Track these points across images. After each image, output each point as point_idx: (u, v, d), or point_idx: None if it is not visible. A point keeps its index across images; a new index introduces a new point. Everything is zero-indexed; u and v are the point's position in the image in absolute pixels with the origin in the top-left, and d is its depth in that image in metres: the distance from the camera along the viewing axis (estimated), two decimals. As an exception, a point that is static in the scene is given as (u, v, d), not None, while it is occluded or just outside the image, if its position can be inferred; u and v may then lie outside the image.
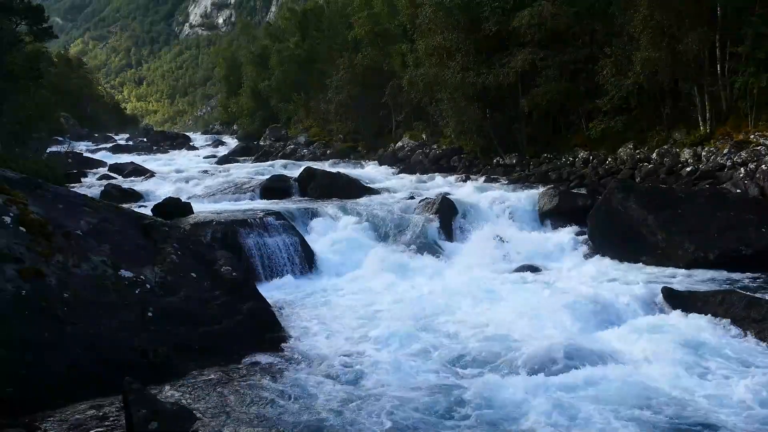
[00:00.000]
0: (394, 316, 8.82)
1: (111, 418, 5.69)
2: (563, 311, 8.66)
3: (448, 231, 14.03)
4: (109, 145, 46.45)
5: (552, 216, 14.42)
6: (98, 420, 5.68)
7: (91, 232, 7.93)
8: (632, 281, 10.35)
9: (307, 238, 12.75)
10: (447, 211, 14.39)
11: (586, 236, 13.09)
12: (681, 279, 10.51)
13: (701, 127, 17.87)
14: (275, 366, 7.12)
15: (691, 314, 8.34)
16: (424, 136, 29.58)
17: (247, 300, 8.28)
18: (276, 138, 44.61)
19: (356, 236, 13.47)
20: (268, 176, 20.07)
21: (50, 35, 30.00)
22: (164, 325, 7.18)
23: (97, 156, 35.40)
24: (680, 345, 7.41)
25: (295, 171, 21.34)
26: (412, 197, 16.43)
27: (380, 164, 28.44)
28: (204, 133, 73.47)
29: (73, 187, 17.61)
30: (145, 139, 55.20)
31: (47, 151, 29.53)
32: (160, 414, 5.28)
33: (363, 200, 16.49)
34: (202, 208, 14.53)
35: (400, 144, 30.60)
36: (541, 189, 16.13)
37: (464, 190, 17.94)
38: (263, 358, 7.33)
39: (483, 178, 20.98)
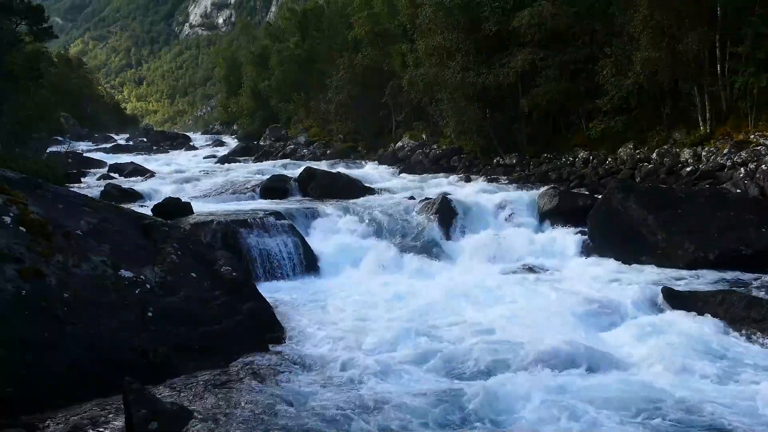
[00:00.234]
0: (394, 316, 8.82)
1: (111, 418, 5.69)
2: (563, 311, 8.66)
3: (447, 231, 14.03)
4: (109, 145, 46.46)
5: (552, 216, 14.41)
6: (98, 420, 5.68)
7: (91, 232, 7.93)
8: (632, 281, 10.36)
9: (307, 238, 12.75)
10: (447, 211, 14.38)
11: (586, 236, 13.08)
12: (681, 279, 10.51)
13: (701, 127, 17.87)
14: (275, 366, 7.12)
15: (691, 314, 8.34)
16: (424, 136, 29.58)
17: (247, 300, 8.28)
18: (276, 138, 44.62)
19: (356, 236, 13.47)
20: (268, 176, 20.07)
21: (50, 35, 30.00)
22: (164, 325, 7.18)
23: (97, 156, 35.39)
24: (680, 345, 7.41)
25: (295, 171, 21.34)
26: (412, 197, 16.42)
27: (380, 164, 28.44)
28: (204, 133, 73.50)
29: (73, 187, 17.61)
30: (145, 139, 55.23)
31: (47, 151, 29.53)
32: (160, 414, 5.28)
33: (363, 200, 16.49)
34: (202, 208, 14.52)
35: (400, 144, 30.61)
36: (541, 189, 16.12)
37: (464, 190, 17.94)
38: (263, 359, 7.33)
39: (483, 178, 20.98)
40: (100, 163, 30.48)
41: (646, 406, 5.99)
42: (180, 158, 37.09)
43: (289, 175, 20.10)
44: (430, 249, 13.21)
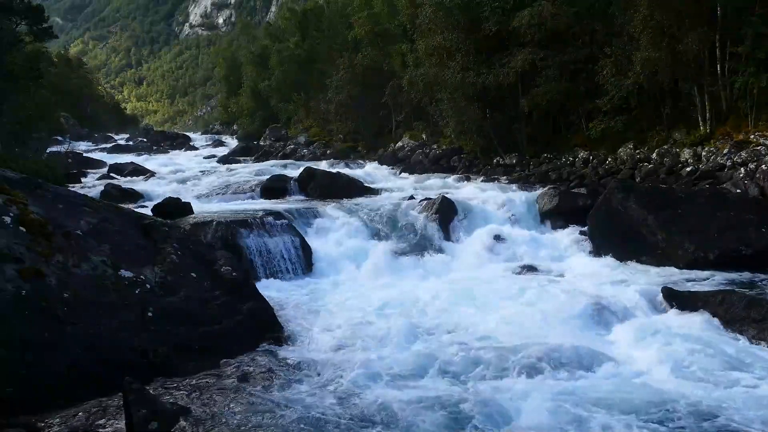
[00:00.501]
0: (393, 316, 8.82)
1: (111, 418, 5.69)
2: (563, 312, 8.67)
3: (447, 231, 14.03)
4: (109, 145, 46.46)
5: (552, 216, 14.41)
6: (98, 420, 5.68)
7: (91, 232, 7.93)
8: (632, 281, 10.36)
9: (307, 238, 12.75)
10: (447, 211, 14.38)
11: (586, 236, 13.09)
12: (681, 279, 10.50)
13: (701, 127, 17.87)
14: (275, 367, 7.11)
15: (691, 314, 8.34)
16: (424, 136, 29.58)
17: (247, 300, 8.28)
18: (276, 138, 44.62)
19: (356, 236, 13.47)
20: (268, 176, 20.07)
21: (50, 35, 30.00)
22: (164, 325, 7.18)
23: (97, 156, 35.41)
24: (680, 345, 7.41)
25: (295, 171, 21.33)
26: (412, 197, 16.42)
27: (380, 164, 28.43)
28: (204, 133, 73.47)
29: (73, 187, 17.61)
30: (145, 139, 55.20)
31: (47, 151, 29.49)
32: (160, 414, 5.28)
33: (363, 200, 16.49)
34: (202, 208, 14.54)
35: (400, 144, 30.60)
36: (541, 189, 16.13)
37: (464, 190, 17.93)
38: (263, 359, 7.33)
39: (483, 178, 20.98)
40: (100, 163, 30.48)
41: (645, 406, 5.99)
42: (180, 158, 37.08)
43: (289, 175, 20.09)
44: (429, 249, 13.21)
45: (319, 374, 6.84)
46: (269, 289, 10.27)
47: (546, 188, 15.98)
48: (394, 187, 19.75)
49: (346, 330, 8.34)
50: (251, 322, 7.95)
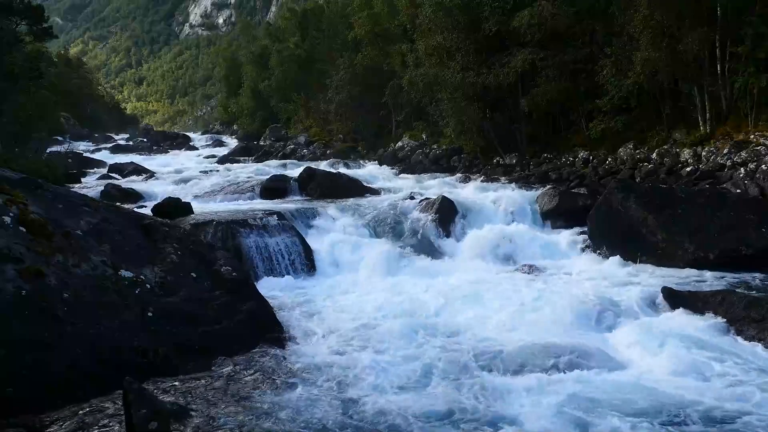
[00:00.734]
0: (394, 316, 8.82)
1: (111, 418, 5.69)
2: (563, 311, 8.66)
3: (447, 231, 14.03)
4: (109, 145, 46.48)
5: (552, 216, 14.41)
6: (98, 420, 5.68)
7: (91, 232, 7.93)
8: (632, 281, 10.35)
9: (306, 238, 12.75)
10: (447, 211, 14.38)
11: (586, 236, 13.08)
12: (681, 279, 10.50)
13: (701, 127, 17.87)
14: (275, 367, 7.11)
15: (691, 314, 8.34)
16: (424, 136, 29.59)
17: (247, 300, 8.28)
18: (276, 138, 44.64)
19: (356, 236, 13.47)
20: (268, 176, 20.07)
21: (50, 35, 30.03)
22: (164, 325, 7.18)
23: (97, 156, 35.45)
24: (680, 345, 7.40)
25: (295, 171, 21.33)
26: (412, 197, 16.41)
27: (380, 164, 28.45)
28: (204, 133, 73.45)
29: (73, 187, 17.63)
30: (145, 139, 55.21)
31: (47, 151, 29.52)
32: (160, 414, 5.28)
33: (363, 200, 16.49)
34: (202, 208, 14.54)
35: (400, 144, 30.61)
36: (541, 189, 16.13)
37: (464, 190, 17.93)
38: (263, 359, 7.33)
39: (483, 178, 20.98)
40: (100, 163, 30.50)
41: (645, 406, 5.99)
42: (180, 158, 37.11)
43: (289, 175, 20.10)
44: (429, 249, 13.21)
45: (319, 375, 6.84)
46: (269, 289, 10.27)
47: (546, 188, 15.98)
48: (394, 187, 19.75)
49: (346, 330, 8.34)
50: (251, 323, 7.94)
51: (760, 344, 7.49)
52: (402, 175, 23.78)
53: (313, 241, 12.82)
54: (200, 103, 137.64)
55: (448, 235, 13.93)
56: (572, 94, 21.00)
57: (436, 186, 19.62)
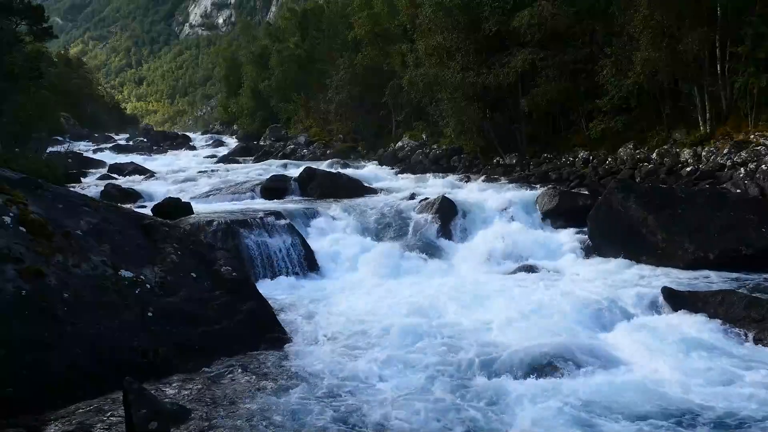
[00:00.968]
0: (393, 316, 8.81)
1: (111, 418, 5.69)
2: (563, 311, 8.66)
3: (447, 231, 14.02)
4: (109, 145, 46.50)
5: (552, 216, 14.41)
6: (98, 420, 5.68)
7: (91, 232, 7.93)
8: (632, 281, 10.35)
9: (306, 238, 12.75)
10: (447, 211, 14.37)
11: (586, 236, 13.08)
12: (681, 279, 10.50)
13: (701, 127, 17.88)
14: (275, 366, 7.11)
15: (691, 314, 8.33)
16: (424, 136, 29.59)
17: (247, 300, 8.27)
18: (276, 138, 44.65)
19: (356, 236, 13.47)
20: (268, 176, 20.07)
21: (50, 35, 30.05)
22: (164, 325, 7.18)
23: (97, 156, 35.45)
24: (680, 345, 7.40)
25: (295, 171, 21.33)
26: (412, 197, 16.42)
27: (380, 164, 28.45)
28: (204, 133, 73.49)
29: (73, 187, 17.63)
30: (145, 139, 55.20)
31: (47, 151, 29.54)
32: (160, 414, 5.29)
33: (363, 200, 16.49)
34: (202, 208, 14.53)
35: (400, 144, 30.62)
36: (541, 189, 16.12)
37: (464, 190, 17.93)
38: (263, 359, 7.33)
39: (483, 178, 20.98)
40: (100, 163, 30.51)
41: (646, 406, 5.99)
42: (180, 158, 37.11)
43: (289, 175, 20.09)
44: (429, 249, 13.19)
45: (319, 376, 6.84)
46: (269, 289, 10.27)
47: (546, 188, 15.97)
48: (394, 187, 19.75)
49: (346, 330, 8.34)
50: (251, 323, 7.94)
51: (760, 344, 7.49)
52: (402, 175, 23.76)
53: (313, 241, 12.82)
54: (200, 103, 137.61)
55: (448, 236, 13.92)
56: (572, 94, 21.01)
57: (436, 186, 19.63)
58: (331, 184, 18.34)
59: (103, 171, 26.61)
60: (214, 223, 11.80)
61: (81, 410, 5.86)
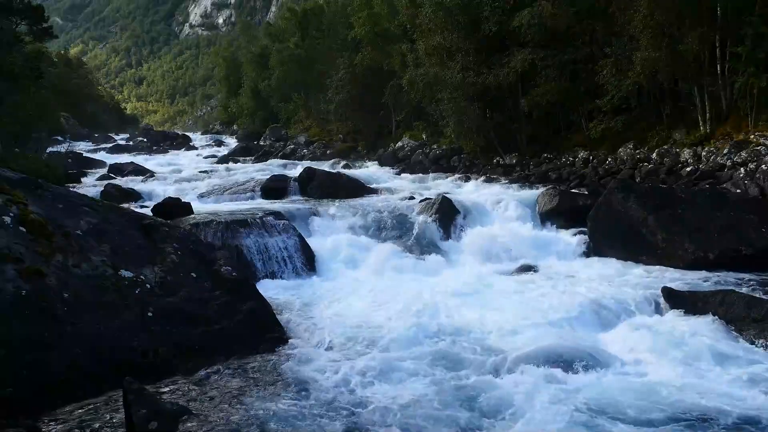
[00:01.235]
0: (393, 316, 8.81)
1: (111, 418, 5.69)
2: (563, 311, 8.67)
3: (447, 231, 14.02)
4: (109, 145, 46.51)
5: (552, 216, 14.40)
6: (98, 420, 5.68)
7: (91, 232, 7.93)
8: (632, 281, 10.35)
9: (307, 238, 12.74)
10: (447, 211, 14.37)
11: (586, 236, 13.08)
12: (681, 279, 10.49)
13: (701, 127, 17.87)
14: (275, 366, 7.11)
15: (691, 314, 8.33)
16: (424, 136, 29.59)
17: (247, 300, 8.28)
18: (276, 138, 44.66)
19: (356, 236, 13.47)
20: (268, 176, 20.07)
21: (50, 35, 30.11)
22: (164, 325, 7.18)
23: (97, 156, 35.46)
24: (680, 345, 7.41)
25: (295, 171, 21.34)
26: (412, 197, 16.42)
27: (380, 164, 28.46)
28: (204, 133, 73.49)
29: (73, 187, 17.64)
30: (145, 139, 55.18)
31: (47, 151, 29.54)
32: (160, 414, 5.29)
33: (363, 200, 16.49)
34: (202, 208, 14.53)
35: (400, 144, 30.62)
36: (541, 189, 16.12)
37: (464, 190, 17.95)
38: (263, 359, 7.33)
39: (483, 178, 20.97)
40: (100, 163, 30.53)
41: (645, 406, 5.99)
42: (180, 158, 37.11)
43: (289, 175, 20.10)
44: (429, 249, 13.21)
45: (318, 376, 6.84)
46: (269, 289, 10.27)
47: (546, 188, 15.97)
48: (394, 187, 19.75)
49: (345, 330, 8.33)
50: (251, 323, 7.94)
51: (760, 344, 7.49)
52: (402, 175, 23.78)
53: (313, 241, 12.82)
54: (200, 103, 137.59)
55: (448, 236, 13.93)
56: (572, 94, 21.00)
57: (436, 186, 19.64)
58: (331, 184, 18.35)
59: (103, 171, 26.62)
60: (214, 223, 11.80)
61: (81, 410, 5.86)
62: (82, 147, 42.90)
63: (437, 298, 9.74)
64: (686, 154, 17.47)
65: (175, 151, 44.41)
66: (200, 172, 24.80)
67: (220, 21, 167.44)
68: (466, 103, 22.65)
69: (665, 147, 18.30)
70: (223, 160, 34.16)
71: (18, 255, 6.72)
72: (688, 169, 16.78)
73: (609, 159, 19.77)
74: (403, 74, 27.60)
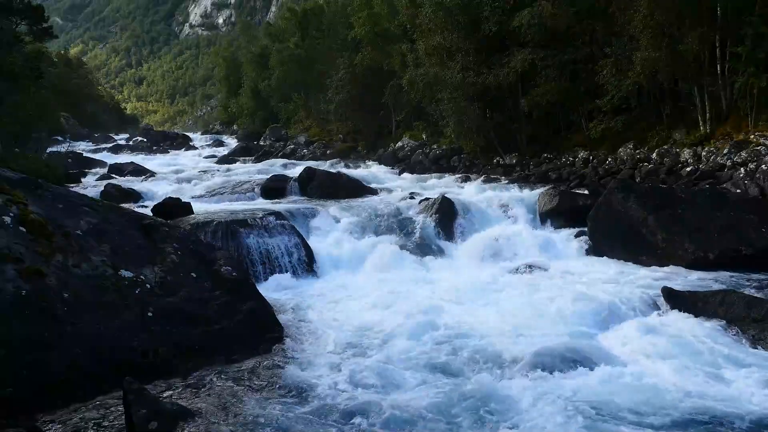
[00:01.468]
0: (393, 316, 8.81)
1: (111, 418, 5.69)
2: (563, 311, 8.66)
3: (447, 231, 14.02)
4: (109, 145, 46.51)
5: (552, 216, 14.41)
6: (98, 420, 5.68)
7: (91, 232, 7.93)
8: (632, 281, 10.35)
9: (307, 238, 12.74)
10: (447, 211, 14.37)
11: (586, 236, 13.08)
12: (681, 279, 10.50)
13: (701, 127, 17.88)
14: (275, 367, 7.12)
15: (691, 314, 8.33)
16: (424, 136, 29.60)
17: (246, 300, 8.28)
18: (276, 138, 44.66)
19: (356, 236, 13.47)
20: (268, 176, 20.07)
21: (50, 35, 30.12)
22: (164, 325, 7.18)
23: (97, 156, 35.45)
24: (680, 345, 7.41)
25: (295, 171, 21.34)
26: (412, 197, 16.42)
27: (380, 164, 28.46)
28: (204, 133, 73.45)
29: (73, 187, 17.65)
30: (145, 139, 55.14)
31: (47, 151, 29.55)
32: (160, 414, 5.29)
33: (363, 200, 16.49)
34: (202, 208, 14.53)
35: (400, 144, 30.62)
36: (541, 189, 16.12)
37: (464, 190, 17.94)
38: (263, 359, 7.33)
39: (483, 178, 20.97)
40: (100, 163, 30.52)
41: (645, 405, 5.99)
42: (180, 158, 37.12)
43: (289, 175, 20.09)
44: (429, 249, 13.21)
45: (318, 376, 6.84)
46: (269, 289, 10.28)
47: (546, 188, 15.97)
48: (394, 187, 19.75)
49: (345, 331, 8.34)
50: (251, 323, 7.95)
51: (760, 344, 7.49)
52: (402, 175, 23.78)
53: (313, 241, 12.82)
54: (200, 103, 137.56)
55: (448, 236, 13.93)
56: (572, 94, 21.00)
57: (436, 186, 19.63)
58: (331, 184, 18.34)
59: (103, 171, 26.61)
60: (214, 223, 11.80)
61: (81, 410, 5.86)
62: (82, 147, 42.89)
63: (437, 298, 9.74)
64: (686, 154, 17.47)
65: (175, 151, 44.41)
66: (200, 172, 24.79)
67: (220, 21, 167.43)
68: (466, 103, 22.66)
69: (665, 147, 18.30)
70: (223, 160, 34.15)
71: (18, 255, 6.72)
72: (688, 169, 16.78)
73: (609, 159, 19.77)
74: (403, 74, 27.61)
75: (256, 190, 18.33)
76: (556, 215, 14.35)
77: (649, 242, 11.81)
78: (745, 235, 11.39)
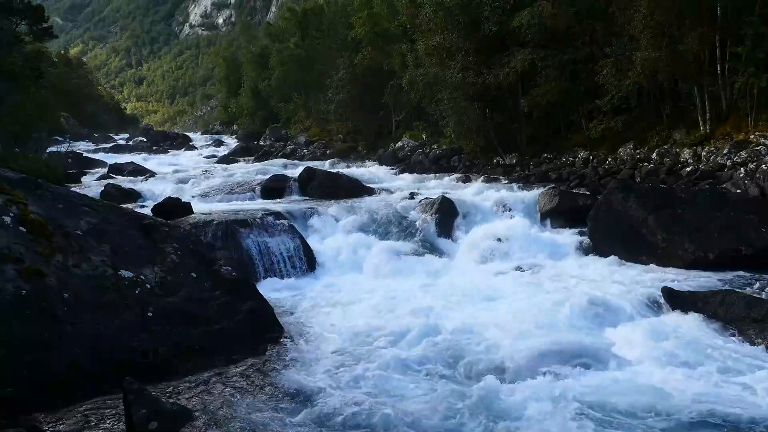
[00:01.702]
0: (393, 317, 8.81)
1: (111, 418, 5.69)
2: (563, 311, 8.66)
3: (448, 231, 14.02)
4: (109, 145, 46.52)
5: (552, 216, 14.41)
6: (98, 420, 5.68)
7: (91, 232, 7.93)
8: (632, 281, 10.35)
9: (306, 238, 12.75)
10: (447, 211, 14.37)
11: (586, 236, 13.08)
12: (681, 279, 10.49)
13: (701, 127, 17.87)
14: (275, 367, 7.12)
15: (691, 314, 8.34)
16: (424, 136, 29.59)
17: (246, 300, 8.28)
18: (276, 138, 44.66)
19: (356, 236, 13.45)
20: (268, 176, 20.07)
21: (50, 35, 30.13)
22: (164, 325, 7.18)
23: (97, 156, 35.45)
24: (680, 345, 7.41)
25: (295, 171, 21.33)
26: (412, 197, 16.42)
27: (380, 164, 28.45)
28: (204, 133, 73.48)
29: (73, 187, 17.63)
30: (145, 139, 55.16)
31: (47, 151, 29.55)
32: (160, 414, 5.29)
33: (363, 200, 16.48)
34: (202, 208, 14.53)
35: (400, 144, 30.62)
36: (541, 189, 16.12)
37: (464, 190, 17.92)
38: (263, 359, 7.33)
39: (483, 178, 20.95)
40: (100, 163, 30.53)
41: (645, 405, 5.99)
42: (180, 158, 37.14)
43: (289, 175, 20.09)
44: (429, 249, 13.21)
45: (317, 378, 6.84)
46: (269, 289, 10.28)
47: (546, 188, 15.96)
48: (394, 187, 19.74)
49: (345, 330, 8.33)
50: (251, 323, 7.95)
51: (759, 344, 7.48)
52: (402, 175, 23.76)
53: (313, 241, 12.82)
54: (200, 103, 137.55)
55: (448, 236, 13.93)
56: (572, 94, 20.99)
57: (436, 186, 19.63)
58: (331, 184, 18.33)
59: (103, 171, 26.62)
60: (214, 223, 11.80)
61: (81, 410, 5.86)
62: (82, 147, 42.90)
63: (437, 297, 9.74)
64: (686, 154, 17.46)
65: (175, 151, 44.42)
66: (200, 172, 24.80)
67: (220, 21, 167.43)
68: (466, 103, 22.65)
69: (665, 147, 18.29)
70: (223, 160, 34.16)
71: (18, 255, 6.72)
72: (688, 169, 16.77)
73: (609, 159, 19.77)
74: (403, 74, 27.59)
75: (256, 190, 18.32)
76: (556, 215, 14.35)
77: (649, 242, 11.81)
78: (745, 235, 11.38)
